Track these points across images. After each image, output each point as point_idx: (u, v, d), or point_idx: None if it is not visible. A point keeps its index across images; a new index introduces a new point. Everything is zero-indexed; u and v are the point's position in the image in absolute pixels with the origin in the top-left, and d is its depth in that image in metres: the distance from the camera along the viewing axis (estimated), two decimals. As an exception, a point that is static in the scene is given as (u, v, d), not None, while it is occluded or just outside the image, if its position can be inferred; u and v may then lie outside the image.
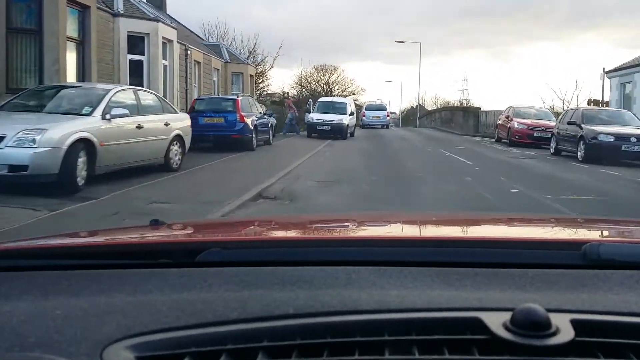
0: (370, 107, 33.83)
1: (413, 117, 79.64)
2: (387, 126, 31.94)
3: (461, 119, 31.03)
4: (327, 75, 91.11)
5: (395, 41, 42.32)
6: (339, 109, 21.74)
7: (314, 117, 21.26)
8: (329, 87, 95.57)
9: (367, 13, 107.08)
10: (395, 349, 0.70)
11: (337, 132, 20.38)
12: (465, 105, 72.91)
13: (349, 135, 21.08)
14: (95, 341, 0.71)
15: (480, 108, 31.52)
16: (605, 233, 1.57)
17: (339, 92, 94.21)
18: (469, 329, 0.72)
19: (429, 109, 63.89)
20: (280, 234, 1.51)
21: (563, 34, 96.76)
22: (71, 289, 0.91)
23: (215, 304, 0.81)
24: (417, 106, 55.41)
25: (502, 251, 1.07)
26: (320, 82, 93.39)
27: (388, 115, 33.10)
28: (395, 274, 0.92)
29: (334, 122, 20.70)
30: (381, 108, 33.87)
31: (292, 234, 1.49)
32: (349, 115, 21.77)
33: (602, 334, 0.71)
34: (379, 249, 1.10)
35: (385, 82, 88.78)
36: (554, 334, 0.69)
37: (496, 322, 0.72)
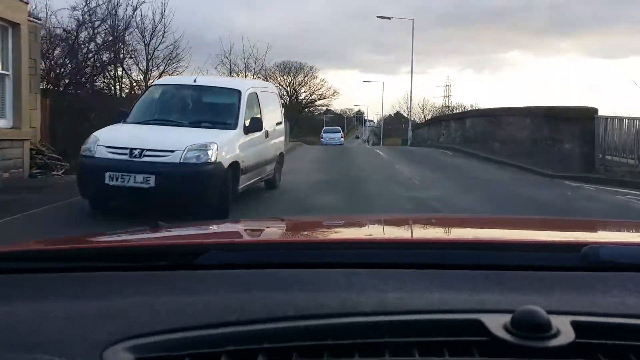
0: (327, 130, 39.14)
1: (399, 128, 61.16)
2: (342, 144, 34.26)
3: (530, 132, 15.24)
4: (292, 76, 68.07)
5: (378, 17, 32.84)
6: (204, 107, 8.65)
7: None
8: (294, 90, 72.34)
9: (346, 21, 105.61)
10: (396, 351, 0.70)
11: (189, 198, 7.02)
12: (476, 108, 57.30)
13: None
14: (95, 342, 0.71)
15: (596, 111, 13.38)
16: (606, 235, 1.53)
17: (306, 96, 71.21)
18: (469, 331, 0.72)
19: (429, 117, 48.41)
20: (280, 236, 1.49)
21: (539, 43, 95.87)
22: (72, 291, 0.91)
23: (215, 306, 0.80)
24: (408, 113, 40.70)
25: (502, 253, 1.05)
26: (283, 84, 69.84)
27: (342, 137, 37.88)
28: (395, 276, 0.92)
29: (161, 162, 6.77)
30: (336, 131, 38.63)
31: (292, 236, 1.48)
32: (244, 131, 7.76)
33: (603, 335, 0.71)
34: (378, 251, 1.09)
35: (363, 82, 73.72)
36: (555, 335, 0.69)
37: (496, 324, 0.72)
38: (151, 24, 25.25)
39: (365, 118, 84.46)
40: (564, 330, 0.70)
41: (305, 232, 1.57)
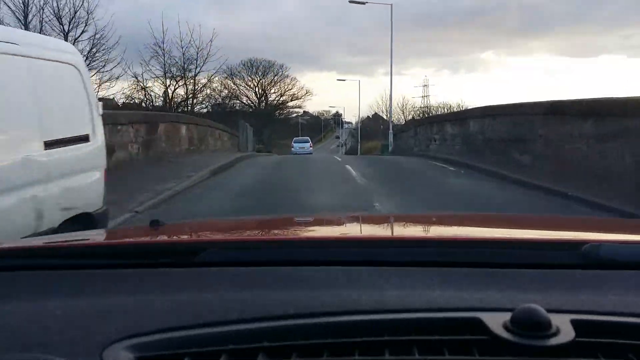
0: (297, 140, 41.37)
1: (378, 130, 54.78)
2: (311, 153, 35.55)
3: (595, 140, 8.99)
4: (260, 76, 60.78)
5: (350, 1, 27.64)
6: None
7: None
8: (263, 91, 64.97)
9: (321, 23, 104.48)
10: (395, 349, 0.70)
11: None
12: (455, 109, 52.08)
13: None
14: (95, 341, 0.71)
15: None
16: (605, 233, 1.52)
17: (276, 97, 63.55)
18: (469, 330, 0.72)
19: (410, 117, 42.78)
20: (280, 234, 1.46)
21: (512, 43, 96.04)
22: (71, 289, 0.90)
23: (215, 304, 0.80)
24: (388, 114, 40.84)
25: (502, 251, 1.05)
26: (251, 85, 62.37)
27: (311, 146, 40.16)
28: (395, 274, 0.92)
29: None
30: (305, 141, 41.01)
31: (291, 234, 1.47)
32: None
33: (603, 334, 0.71)
34: (378, 249, 1.09)
35: (337, 80, 66.24)
36: (555, 334, 0.69)
37: (496, 322, 0.72)
38: (70, 10, 18.62)
39: (343, 120, 78.21)
40: (563, 329, 0.70)
41: (306, 230, 1.58)
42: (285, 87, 64.55)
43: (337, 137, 77.16)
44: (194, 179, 10.22)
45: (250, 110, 65.61)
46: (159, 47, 24.55)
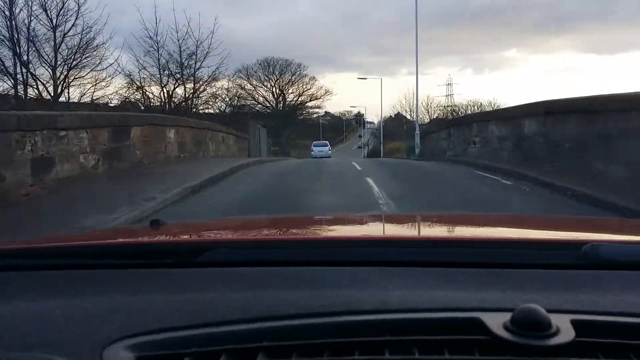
0: (316, 145, 42.57)
1: (400, 130, 51.63)
2: (329, 156, 37.03)
3: None
4: (277, 75, 57.70)
5: None
6: None
7: None
8: (280, 91, 61.76)
9: (341, 23, 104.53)
10: (396, 349, 0.71)
11: None
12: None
13: None
14: (95, 341, 0.72)
15: None
16: (605, 234, 1.54)
17: (294, 97, 60.27)
18: (470, 330, 0.73)
19: (435, 116, 40.16)
20: (283, 234, 1.46)
21: (532, 40, 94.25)
22: (72, 289, 0.92)
23: (217, 304, 0.82)
24: (414, 114, 40.08)
25: (502, 251, 1.07)
26: (267, 85, 59.32)
27: (330, 149, 40.97)
28: (397, 274, 0.93)
29: None
30: (324, 145, 42.42)
31: (294, 234, 1.46)
32: None
33: (603, 334, 0.72)
34: (381, 249, 1.11)
35: (358, 79, 63.76)
36: (555, 334, 0.70)
37: (496, 322, 0.73)
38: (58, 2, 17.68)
39: (365, 120, 75.53)
40: (563, 329, 0.71)
41: (308, 230, 1.58)
42: (304, 86, 61.22)
43: (360, 136, 76.96)
44: (157, 202, 7.16)
45: (268, 111, 62.39)
46: (151, 38, 21.52)
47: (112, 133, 10.16)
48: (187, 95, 23.04)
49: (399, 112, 74.19)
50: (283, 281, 0.91)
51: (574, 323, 0.73)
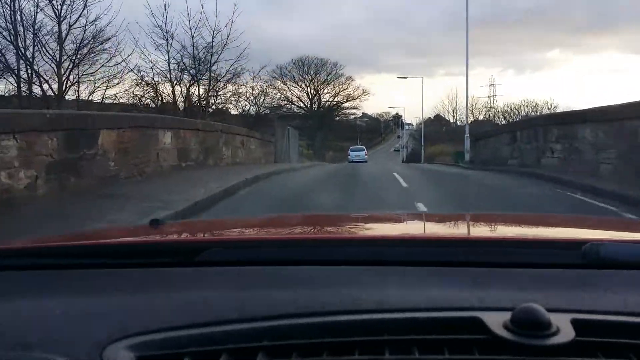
0: (353, 149, 43.36)
1: (441, 133, 48.89)
2: (366, 161, 38.98)
3: None
4: (312, 75, 55.01)
5: None
6: None
7: None
8: (314, 91, 58.80)
9: (379, 25, 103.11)
10: (395, 348, 0.72)
11: None
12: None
13: None
14: (95, 341, 0.73)
15: None
16: (606, 233, 1.50)
17: (330, 98, 57.18)
18: (469, 329, 0.74)
19: (481, 117, 38.02)
20: (280, 233, 1.47)
21: (576, 41, 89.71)
22: (71, 288, 0.93)
23: (215, 303, 0.83)
24: (458, 113, 36.91)
25: (502, 250, 1.07)
26: (301, 84, 56.41)
27: (366, 154, 42.10)
28: (395, 273, 0.94)
29: None
30: (361, 149, 43.23)
31: (292, 233, 1.46)
32: None
33: (603, 333, 0.73)
34: (379, 248, 1.11)
35: (397, 78, 61.25)
36: (555, 333, 0.70)
37: (496, 321, 0.73)
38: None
39: (404, 121, 72.86)
40: (564, 328, 0.72)
41: (306, 230, 1.58)
42: (340, 86, 57.96)
43: (399, 137, 75.18)
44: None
45: (302, 112, 59.21)
46: (160, 27, 18.67)
47: (64, 140, 7.26)
48: (200, 94, 20.15)
49: (438, 114, 70.35)
50: (282, 281, 0.92)
51: (574, 322, 0.74)
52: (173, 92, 19.67)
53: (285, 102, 52.83)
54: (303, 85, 55.11)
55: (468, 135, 23.53)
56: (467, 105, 26.85)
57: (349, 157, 41.15)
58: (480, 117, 53.03)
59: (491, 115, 52.45)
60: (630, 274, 0.94)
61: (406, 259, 1.00)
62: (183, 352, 0.71)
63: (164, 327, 0.75)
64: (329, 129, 57.79)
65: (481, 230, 1.58)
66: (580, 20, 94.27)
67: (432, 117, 66.01)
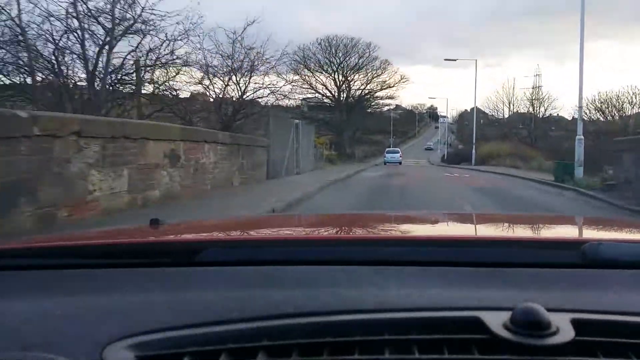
0: (389, 151, 45.29)
1: (483, 126, 40.53)
2: (400, 162, 41.38)
3: None
4: (340, 58, 44.85)
5: None
6: None
7: None
8: (344, 76, 48.00)
9: (417, 17, 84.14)
10: (395, 348, 0.72)
11: None
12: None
13: None
14: (95, 341, 0.73)
15: None
16: (605, 233, 1.50)
17: (361, 85, 46.24)
18: (469, 329, 0.74)
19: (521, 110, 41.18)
20: (280, 233, 1.44)
21: (622, 32, 70.11)
22: (71, 288, 0.94)
23: (215, 303, 0.84)
24: (513, 104, 36.61)
25: (501, 250, 1.07)
26: (328, 67, 45.77)
27: (401, 156, 43.60)
28: (395, 273, 0.94)
29: None
30: (395, 152, 45.02)
31: (292, 233, 1.45)
32: None
33: (603, 333, 0.73)
34: (379, 248, 1.10)
35: (445, 60, 53.59)
36: (554, 333, 0.71)
37: (496, 321, 0.73)
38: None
39: (439, 114, 66.68)
40: (563, 328, 0.72)
41: (306, 229, 1.55)
42: (374, 72, 47.82)
43: (437, 127, 70.73)
44: None
45: (328, 104, 48.81)
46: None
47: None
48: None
49: (476, 106, 61.83)
50: (282, 280, 0.92)
51: (574, 322, 0.74)
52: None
53: (309, 89, 43.67)
54: (330, 71, 45.67)
55: (582, 137, 14.25)
56: (580, 96, 17.09)
57: (385, 158, 43.98)
58: (526, 110, 43.80)
59: (535, 108, 42.91)
60: (629, 274, 0.94)
61: (406, 259, 0.99)
62: (183, 352, 0.71)
63: (163, 327, 0.75)
64: (359, 121, 48.30)
65: (481, 230, 1.54)
66: (627, 11, 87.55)
67: (468, 110, 61.48)
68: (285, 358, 0.69)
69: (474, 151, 39.08)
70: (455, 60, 39.69)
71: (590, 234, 1.43)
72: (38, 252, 1.14)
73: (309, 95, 46.85)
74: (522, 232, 1.48)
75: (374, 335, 0.72)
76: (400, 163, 42.18)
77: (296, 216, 2.45)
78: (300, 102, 38.37)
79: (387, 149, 48.25)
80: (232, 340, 0.71)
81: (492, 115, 49.60)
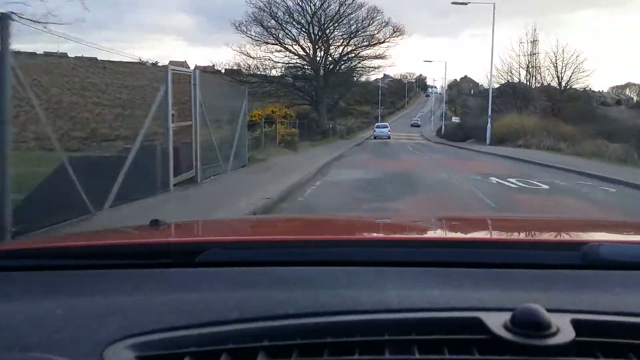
0: (379, 126, 47.00)
1: (509, 95, 29.12)
2: (389, 137, 43.14)
3: None
4: (316, 2, 30.46)
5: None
6: None
7: None
8: (320, 29, 32.41)
9: None
10: (396, 348, 0.74)
11: None
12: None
13: None
14: (95, 341, 0.75)
15: None
16: (605, 234, 1.52)
17: (342, 42, 32.20)
18: (469, 329, 0.76)
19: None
20: (280, 234, 1.47)
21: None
22: (71, 289, 0.95)
23: (215, 303, 0.85)
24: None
25: (502, 251, 1.09)
26: (299, 18, 30.85)
27: (390, 131, 44.55)
28: (395, 274, 0.96)
29: None
30: (385, 126, 46.29)
31: (292, 234, 1.46)
32: None
33: (603, 334, 0.75)
34: (379, 249, 1.12)
35: (452, 4, 38.65)
36: (555, 334, 0.72)
37: (496, 322, 0.75)
38: None
39: (429, 84, 70.53)
40: (564, 329, 0.73)
41: (306, 230, 1.55)
42: (360, 23, 37.05)
43: (427, 96, 68.47)
44: None
45: (302, 66, 37.93)
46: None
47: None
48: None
49: (466, 76, 53.81)
50: (282, 281, 0.94)
51: (574, 323, 0.75)
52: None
53: (277, 48, 33.82)
54: (300, 19, 35.50)
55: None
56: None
57: (375, 132, 45.14)
58: (523, 80, 34.86)
59: (532, 76, 33.87)
60: (630, 275, 0.96)
61: (406, 260, 1.01)
62: (183, 352, 0.72)
63: (164, 327, 0.76)
64: (343, 89, 38.63)
65: (481, 232, 1.57)
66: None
67: (457, 80, 57.95)
68: (286, 358, 0.71)
69: (489, 126, 29.86)
70: (466, 4, 30.02)
71: (590, 235, 1.44)
72: (38, 253, 1.15)
73: (277, 54, 36.80)
74: (522, 233, 1.51)
75: (374, 336, 0.73)
76: (389, 137, 43.61)
77: (296, 217, 2.45)
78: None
79: (376, 124, 50.91)
80: (232, 341, 0.73)
81: (508, 80, 40.31)
